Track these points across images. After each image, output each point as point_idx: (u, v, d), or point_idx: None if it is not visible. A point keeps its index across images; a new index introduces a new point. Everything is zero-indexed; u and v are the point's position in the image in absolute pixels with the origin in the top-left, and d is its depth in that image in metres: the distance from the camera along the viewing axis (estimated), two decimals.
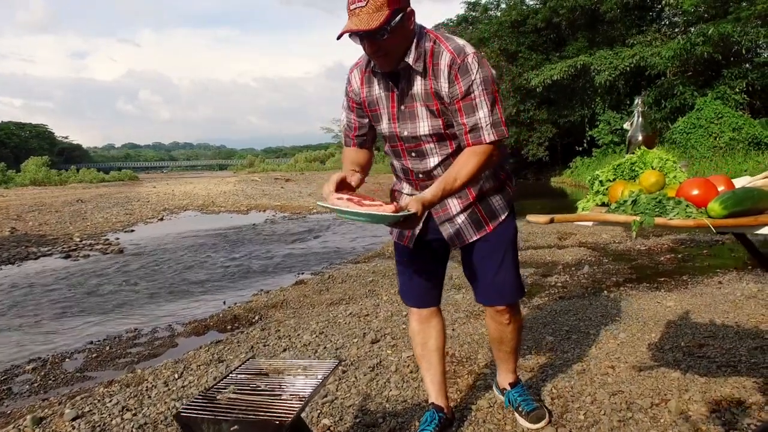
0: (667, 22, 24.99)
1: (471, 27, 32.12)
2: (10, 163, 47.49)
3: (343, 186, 1.83)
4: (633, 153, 1.77)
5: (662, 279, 5.09)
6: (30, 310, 5.67)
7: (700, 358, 2.93)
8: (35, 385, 3.60)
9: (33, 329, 5.01)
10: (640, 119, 1.83)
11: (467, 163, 1.82)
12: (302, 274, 6.94)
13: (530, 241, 7.94)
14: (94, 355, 4.12)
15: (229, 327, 4.61)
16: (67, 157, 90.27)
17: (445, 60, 1.81)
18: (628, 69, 22.07)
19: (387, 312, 4.27)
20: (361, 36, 1.74)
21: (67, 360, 4.08)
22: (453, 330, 3.67)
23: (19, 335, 4.84)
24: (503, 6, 30.60)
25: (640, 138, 1.82)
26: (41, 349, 4.38)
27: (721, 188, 1.33)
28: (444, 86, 1.82)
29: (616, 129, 23.62)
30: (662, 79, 22.12)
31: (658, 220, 1.25)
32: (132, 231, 12.30)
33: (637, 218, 1.27)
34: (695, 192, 1.28)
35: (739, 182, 1.48)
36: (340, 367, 3.09)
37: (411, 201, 1.69)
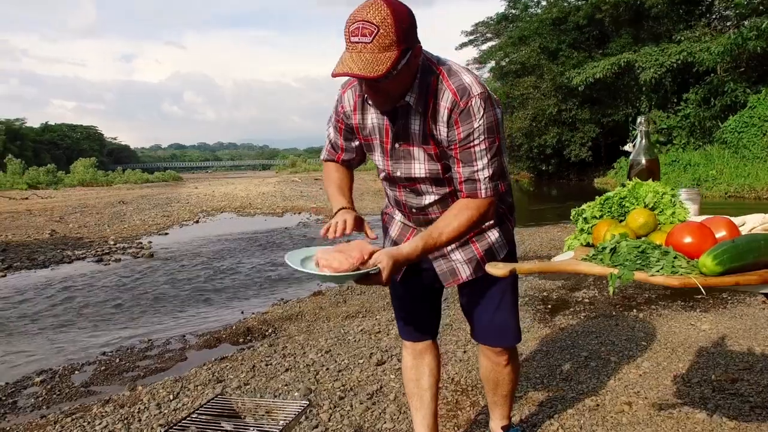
0: (718, 16, 23.94)
1: (511, 25, 31.63)
2: (62, 163, 49.37)
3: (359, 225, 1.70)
4: (634, 179, 1.54)
5: (700, 296, 4.75)
6: (53, 316, 5.72)
7: (731, 396, 2.65)
8: (39, 399, 3.57)
9: (51, 337, 5.03)
10: (644, 141, 1.60)
11: (457, 217, 1.60)
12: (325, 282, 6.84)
13: (562, 250, 7.62)
14: (102, 368, 4.07)
15: (241, 340, 4.51)
16: (116, 157, 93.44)
17: (446, 101, 1.56)
18: (674, 66, 21.25)
19: None
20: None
21: (76, 372, 4.04)
22: (464, 352, 3.47)
23: (37, 343, 4.87)
24: (544, 3, 29.95)
25: (643, 161, 1.59)
26: (54, 360, 4.37)
27: (721, 234, 1.11)
28: (442, 130, 1.60)
29: (662, 128, 22.82)
30: (711, 76, 21.22)
31: (638, 275, 1.03)
32: (166, 234, 12.45)
33: (615, 271, 1.06)
34: (688, 240, 1.06)
35: (750, 222, 1.25)
36: (337, 395, 2.94)
37: (382, 254, 1.49)
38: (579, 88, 24.34)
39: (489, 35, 34.18)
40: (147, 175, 45.38)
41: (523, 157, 32.24)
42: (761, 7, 19.41)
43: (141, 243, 10.85)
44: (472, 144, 1.57)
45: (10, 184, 33.42)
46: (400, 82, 1.52)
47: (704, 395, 2.68)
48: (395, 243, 1.96)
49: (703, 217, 1.33)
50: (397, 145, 1.71)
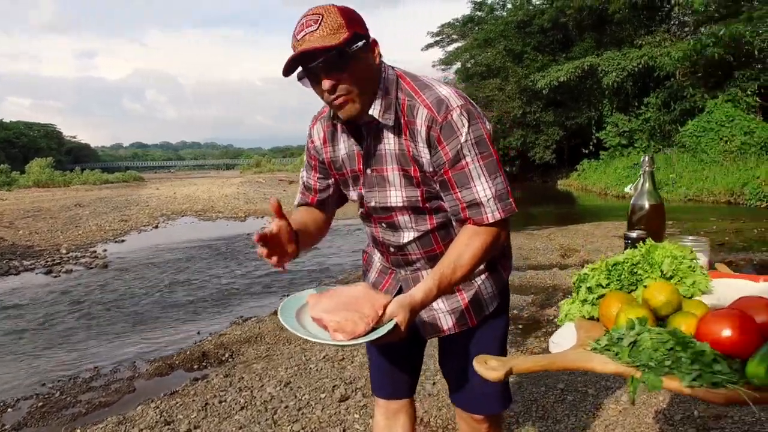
0: (677, 22, 24.42)
1: (477, 27, 31.71)
2: (18, 163, 47.48)
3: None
4: (636, 230, 1.34)
5: None
6: None
7: None
8: None
9: None
10: (647, 183, 1.40)
11: (469, 246, 1.37)
12: (287, 296, 6.54)
13: (530, 259, 7.51)
14: (40, 404, 3.71)
15: (195, 366, 4.21)
16: (75, 156, 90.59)
17: (421, 118, 1.37)
18: (636, 70, 21.57)
19: (365, 356, 3.85)
20: (315, 69, 1.30)
21: (9, 410, 3.67)
22: (434, 384, 3.24)
23: None
24: (509, 6, 30.11)
25: (646, 206, 1.39)
26: None
27: (761, 321, 0.89)
28: (424, 151, 1.39)
29: (624, 131, 23.16)
30: (671, 81, 21.59)
31: (669, 383, 0.82)
32: (123, 241, 11.92)
33: (638, 374, 0.85)
34: (726, 333, 0.85)
35: None
36: None
37: (396, 307, 1.27)
38: (543, 91, 24.50)
39: (455, 37, 34.18)
40: (107, 175, 43.91)
41: None
42: (717, 15, 19.82)
43: (95, 252, 10.34)
44: (464, 163, 1.37)
45: None
46: (360, 75, 1.34)
47: None
48: (374, 286, 1.71)
49: (726, 281, 1.13)
50: (369, 171, 1.50)
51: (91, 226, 14.15)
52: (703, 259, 1.31)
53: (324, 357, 3.88)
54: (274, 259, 1.36)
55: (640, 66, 21.37)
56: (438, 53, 56.95)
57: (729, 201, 16.51)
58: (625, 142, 23.28)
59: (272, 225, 1.35)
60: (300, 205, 1.71)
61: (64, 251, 10.37)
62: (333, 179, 1.65)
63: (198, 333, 5.18)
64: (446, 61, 34.54)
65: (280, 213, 1.33)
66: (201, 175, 71.33)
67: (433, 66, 35.64)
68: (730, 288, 1.11)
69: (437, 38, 34.70)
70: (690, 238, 1.35)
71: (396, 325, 1.25)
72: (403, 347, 1.77)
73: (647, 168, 1.40)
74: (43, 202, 22.34)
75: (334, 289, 1.37)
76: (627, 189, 1.46)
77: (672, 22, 24.51)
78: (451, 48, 34.38)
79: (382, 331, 1.22)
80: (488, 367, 0.92)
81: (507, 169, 31.39)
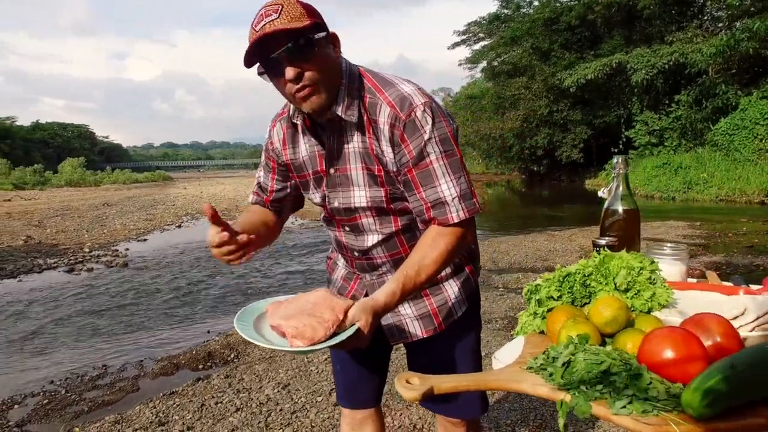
0: (710, 18, 23.75)
1: (503, 25, 31.41)
2: (53, 162, 48.83)
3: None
4: (608, 236, 1.25)
5: None
6: (6, 336, 5.39)
7: None
8: None
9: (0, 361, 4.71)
10: (621, 186, 1.31)
11: (434, 247, 1.33)
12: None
13: (548, 261, 7.36)
14: (45, 401, 3.75)
15: (200, 366, 4.21)
16: (108, 156, 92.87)
17: (384, 116, 1.33)
18: (666, 67, 21.04)
19: None
20: (279, 58, 1.24)
21: (16, 407, 3.72)
22: None
23: None
24: (536, 3, 29.71)
25: (620, 211, 1.30)
26: None
27: (714, 341, 0.80)
28: (387, 150, 1.35)
29: (654, 129, 22.65)
30: (703, 78, 21.02)
31: (597, 409, 0.75)
32: (145, 240, 12.09)
33: (567, 398, 0.77)
34: (668, 354, 0.76)
35: (753, 308, 0.94)
36: None
37: (358, 311, 1.22)
38: (570, 89, 24.10)
39: (481, 35, 33.88)
40: (136, 175, 44.83)
41: (514, 157, 32.09)
42: (752, 9, 19.21)
43: (117, 250, 10.50)
44: (428, 161, 1.33)
45: None
46: (325, 65, 1.29)
47: None
48: (339, 293, 1.67)
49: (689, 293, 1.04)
50: (332, 171, 1.46)
51: (116, 225, 14.40)
52: (679, 268, 1.22)
53: (326, 359, 3.84)
54: (225, 258, 1.34)
55: (671, 63, 20.83)
56: (464, 52, 56.63)
57: (763, 201, 16.02)
58: (655, 140, 22.76)
59: (209, 232, 1.31)
60: (255, 203, 1.68)
61: (87, 250, 10.56)
62: (292, 182, 1.61)
63: (208, 332, 5.19)
64: (472, 60, 34.29)
65: (215, 219, 1.28)
66: (229, 174, 72.30)
67: (460, 65, 35.47)
68: (696, 302, 1.02)
69: (463, 37, 34.44)
70: (669, 245, 1.26)
71: (358, 330, 1.21)
72: (367, 354, 1.71)
73: (621, 170, 1.31)
74: (73, 201, 22.87)
75: (294, 297, 1.33)
76: (600, 193, 1.36)
77: (704, 18, 23.86)
78: (477, 47, 34.12)
79: (343, 335, 1.18)
80: (407, 387, 0.85)
81: (534, 168, 31.14)
